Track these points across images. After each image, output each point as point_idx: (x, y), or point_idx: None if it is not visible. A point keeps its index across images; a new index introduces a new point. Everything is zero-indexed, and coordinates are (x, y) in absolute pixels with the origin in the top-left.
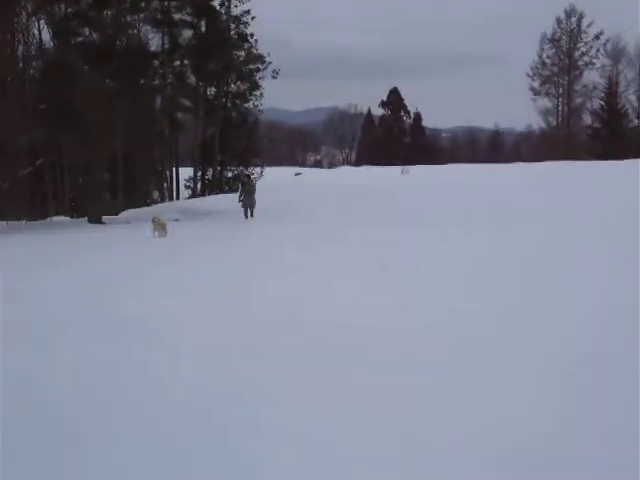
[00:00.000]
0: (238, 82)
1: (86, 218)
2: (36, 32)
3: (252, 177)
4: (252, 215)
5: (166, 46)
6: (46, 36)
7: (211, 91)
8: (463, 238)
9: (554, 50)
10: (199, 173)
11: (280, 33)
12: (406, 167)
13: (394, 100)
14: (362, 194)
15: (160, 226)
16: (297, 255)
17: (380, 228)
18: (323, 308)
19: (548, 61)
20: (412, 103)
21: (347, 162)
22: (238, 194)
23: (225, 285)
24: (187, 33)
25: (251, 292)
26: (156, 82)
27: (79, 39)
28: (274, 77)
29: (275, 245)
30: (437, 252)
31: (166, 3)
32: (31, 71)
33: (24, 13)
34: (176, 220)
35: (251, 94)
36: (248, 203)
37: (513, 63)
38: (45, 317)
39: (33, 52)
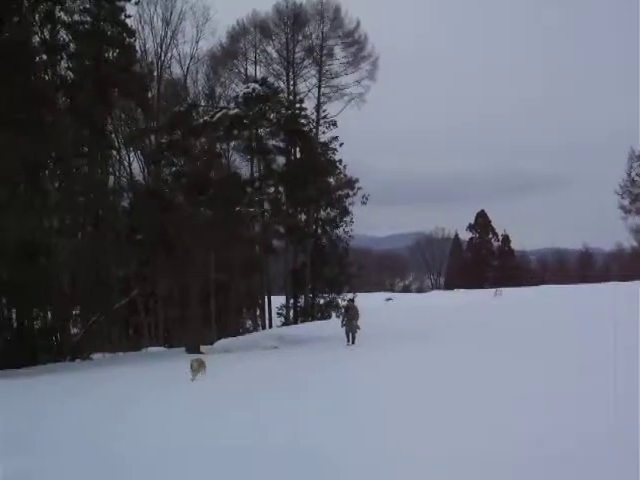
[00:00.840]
0: (328, 209)
1: (182, 348)
2: (126, 164)
3: (355, 302)
4: (353, 342)
5: (256, 173)
6: (136, 168)
7: (302, 218)
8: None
9: None
10: (291, 301)
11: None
12: (499, 289)
13: (481, 223)
14: (460, 318)
15: (199, 365)
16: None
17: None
18: None
19: (638, 178)
20: (499, 225)
21: (436, 286)
22: (341, 318)
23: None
24: (280, 159)
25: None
26: (252, 210)
27: (173, 169)
28: (364, 203)
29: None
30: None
31: (259, 130)
32: (123, 203)
33: (116, 145)
34: (275, 347)
35: (341, 220)
36: (351, 328)
37: (598, 183)
38: None
39: (125, 184)
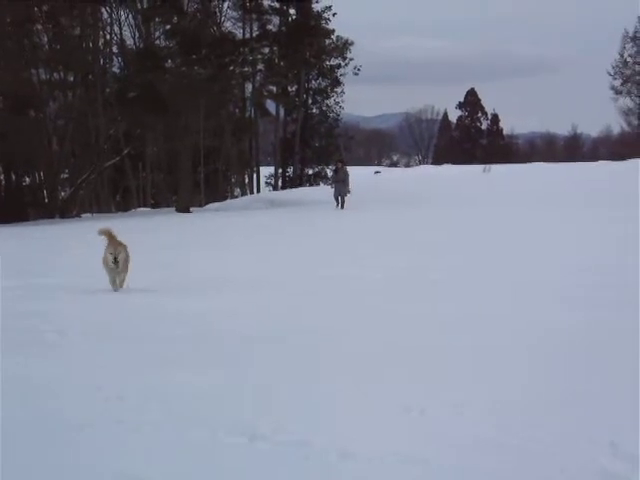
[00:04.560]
0: (319, 78)
1: (171, 209)
2: (116, 28)
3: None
4: (342, 205)
5: (253, 33)
6: (127, 32)
7: (292, 87)
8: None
9: (636, 49)
10: (280, 170)
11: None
12: (488, 166)
13: (471, 101)
14: (449, 189)
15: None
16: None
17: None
18: None
19: (630, 60)
20: (489, 105)
21: (424, 163)
22: (330, 181)
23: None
24: (275, 20)
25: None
26: (245, 70)
27: (166, 27)
28: (356, 74)
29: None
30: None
31: None
32: (114, 69)
33: (106, 8)
34: (266, 209)
35: (332, 91)
36: (340, 191)
37: (588, 65)
38: None
39: (115, 48)
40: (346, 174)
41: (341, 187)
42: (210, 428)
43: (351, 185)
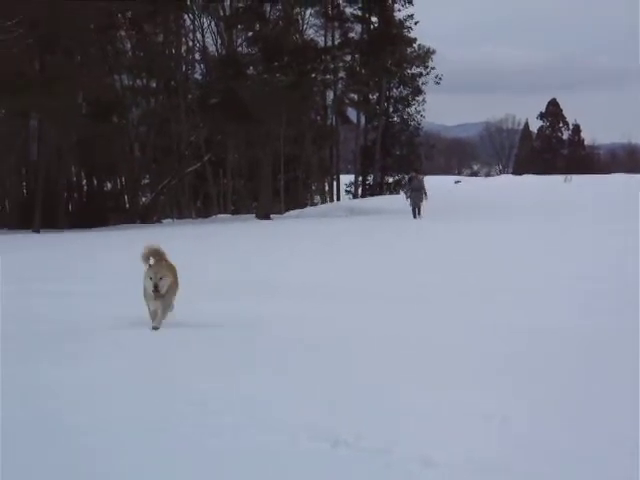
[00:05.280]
0: (400, 87)
1: (250, 215)
2: (199, 35)
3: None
4: (419, 213)
5: (331, 42)
6: (209, 39)
7: (374, 95)
8: None
9: None
10: (360, 178)
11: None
12: (569, 176)
13: (553, 111)
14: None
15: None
16: None
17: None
18: None
19: None
20: (570, 115)
21: (504, 173)
22: (405, 190)
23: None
24: (357, 28)
25: None
26: (327, 77)
27: (248, 34)
28: (437, 82)
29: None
30: None
31: None
32: (195, 75)
33: (189, 15)
34: (345, 217)
35: (413, 99)
36: (415, 200)
37: None
38: None
39: (197, 55)
40: (421, 183)
41: (416, 196)
42: (291, 433)
43: (429, 193)
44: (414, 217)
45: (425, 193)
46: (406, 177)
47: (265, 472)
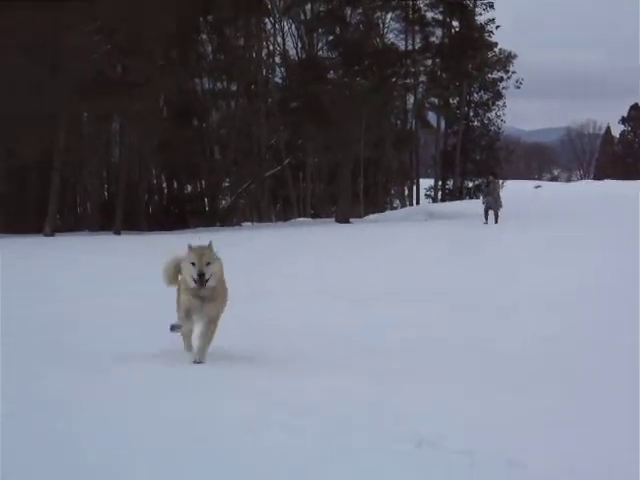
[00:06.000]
0: (481, 91)
1: (330, 219)
2: (280, 39)
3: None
4: (496, 220)
5: (412, 46)
6: (289, 42)
7: (454, 100)
8: None
9: None
10: (439, 183)
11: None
12: None
13: (635, 116)
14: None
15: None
16: None
17: None
18: None
19: None
20: None
21: (585, 178)
22: (482, 195)
23: None
24: (437, 32)
25: None
26: (407, 81)
27: (329, 38)
28: (517, 87)
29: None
30: None
31: (417, 1)
32: (276, 79)
33: (270, 19)
34: (425, 221)
35: (493, 104)
36: (491, 204)
37: None
38: None
39: (277, 58)
40: (497, 187)
41: (492, 201)
42: (374, 434)
43: (504, 200)
44: (486, 222)
45: (499, 199)
46: (484, 181)
47: (351, 473)
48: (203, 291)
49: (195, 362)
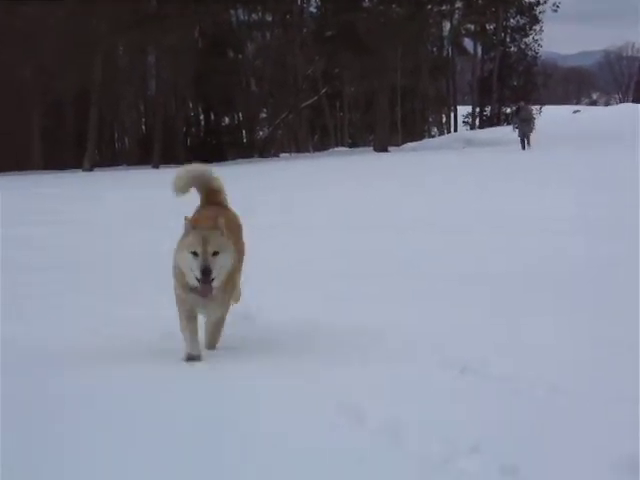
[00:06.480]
0: (517, 16)
1: (368, 148)
2: None
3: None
4: (529, 143)
5: None
6: None
7: (490, 25)
8: None
9: None
10: (477, 109)
11: None
12: None
13: None
14: None
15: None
16: None
17: None
18: None
19: None
20: None
21: (624, 101)
22: (512, 121)
23: None
24: None
25: None
26: (443, 8)
27: None
28: (554, 10)
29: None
30: None
31: None
32: (310, 9)
33: None
34: (463, 148)
35: (530, 29)
36: (524, 131)
37: None
38: None
39: None
40: (529, 113)
41: (525, 127)
42: (421, 361)
43: (538, 125)
44: (522, 148)
45: (533, 123)
46: (515, 107)
47: (397, 396)
48: (208, 292)
49: (189, 359)
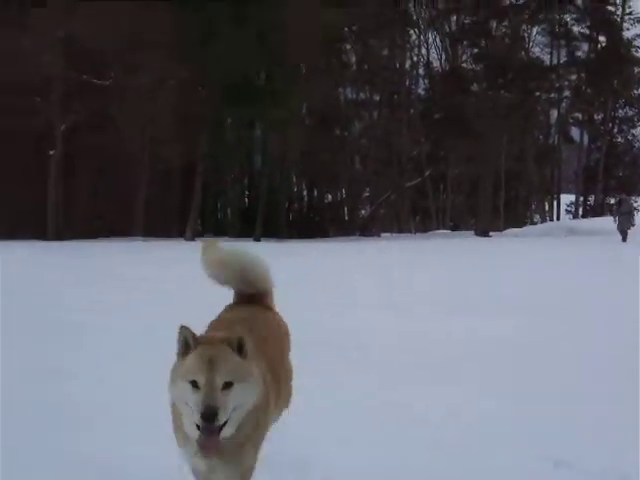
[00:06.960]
0: (626, 107)
1: (469, 232)
2: (424, 50)
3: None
4: (625, 239)
5: (557, 60)
6: (433, 54)
7: (598, 115)
8: None
9: None
10: (581, 198)
11: None
12: None
13: None
14: None
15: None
16: None
17: None
18: None
19: None
20: None
21: None
22: (613, 215)
23: None
24: (584, 47)
25: None
26: (552, 96)
27: (474, 50)
28: None
29: None
30: None
31: (564, 16)
32: (419, 90)
33: (414, 30)
34: (565, 236)
35: (639, 120)
36: (623, 225)
37: None
38: None
39: (421, 69)
40: (631, 207)
41: (625, 220)
42: (515, 451)
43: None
44: (623, 241)
45: (633, 218)
46: (616, 200)
47: None
48: (212, 446)
49: None
